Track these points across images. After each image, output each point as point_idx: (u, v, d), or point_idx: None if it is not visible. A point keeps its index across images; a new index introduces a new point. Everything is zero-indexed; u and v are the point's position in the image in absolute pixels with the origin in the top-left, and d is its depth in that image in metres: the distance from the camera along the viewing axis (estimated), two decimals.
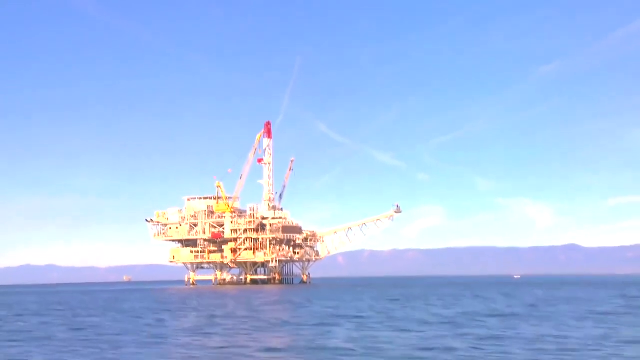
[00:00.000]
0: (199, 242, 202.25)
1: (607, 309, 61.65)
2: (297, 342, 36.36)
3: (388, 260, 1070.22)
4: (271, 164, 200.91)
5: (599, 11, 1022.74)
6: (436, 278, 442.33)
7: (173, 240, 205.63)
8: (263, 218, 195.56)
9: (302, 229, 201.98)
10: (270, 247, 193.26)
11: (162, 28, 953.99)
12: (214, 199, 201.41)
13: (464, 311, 60.16)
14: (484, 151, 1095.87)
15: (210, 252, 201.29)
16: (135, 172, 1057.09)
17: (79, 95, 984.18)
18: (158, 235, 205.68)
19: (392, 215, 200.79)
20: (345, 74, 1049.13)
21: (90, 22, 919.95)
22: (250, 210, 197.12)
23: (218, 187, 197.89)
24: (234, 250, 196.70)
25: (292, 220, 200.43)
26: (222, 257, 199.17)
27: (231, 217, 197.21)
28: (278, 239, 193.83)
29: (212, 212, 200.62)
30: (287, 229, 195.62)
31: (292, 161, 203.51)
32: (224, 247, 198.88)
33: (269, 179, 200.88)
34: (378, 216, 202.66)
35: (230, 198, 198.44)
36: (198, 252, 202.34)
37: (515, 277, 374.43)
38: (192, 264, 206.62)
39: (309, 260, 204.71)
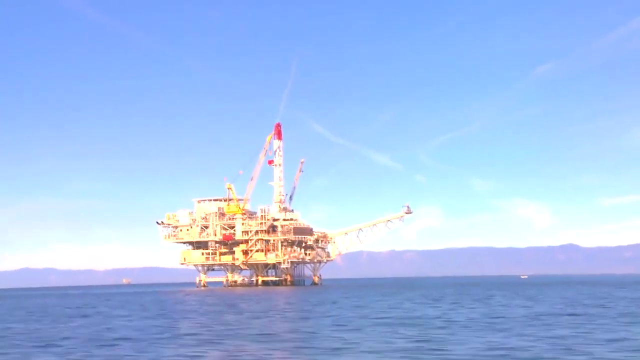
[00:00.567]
0: (209, 244, 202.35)
1: None
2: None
3: (386, 261, 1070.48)
4: (281, 166, 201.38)
5: (596, 11, 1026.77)
6: (439, 279, 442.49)
7: (184, 242, 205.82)
8: (274, 219, 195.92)
9: (313, 230, 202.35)
10: (281, 249, 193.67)
11: (158, 30, 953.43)
12: (225, 200, 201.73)
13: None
14: (481, 152, 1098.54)
15: (221, 253, 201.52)
16: (134, 174, 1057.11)
17: (79, 98, 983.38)
18: (168, 237, 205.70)
19: (402, 216, 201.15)
20: (343, 75, 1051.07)
21: (88, 25, 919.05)
22: (262, 211, 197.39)
23: (229, 189, 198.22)
24: (245, 252, 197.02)
25: (303, 221, 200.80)
26: (234, 258, 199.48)
27: (242, 218, 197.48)
28: (289, 241, 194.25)
29: (223, 214, 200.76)
30: (298, 231, 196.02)
31: (302, 162, 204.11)
32: (235, 248, 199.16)
33: (280, 180, 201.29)
34: (388, 217, 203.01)
35: (241, 200, 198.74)
36: (209, 254, 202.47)
37: (523, 277, 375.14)
38: (202, 265, 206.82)
39: (320, 262, 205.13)
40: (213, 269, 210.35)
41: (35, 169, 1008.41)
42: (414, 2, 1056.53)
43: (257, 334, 41.77)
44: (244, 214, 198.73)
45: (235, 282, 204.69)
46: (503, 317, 51.60)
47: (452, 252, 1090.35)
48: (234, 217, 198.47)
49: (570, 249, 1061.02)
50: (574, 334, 37.86)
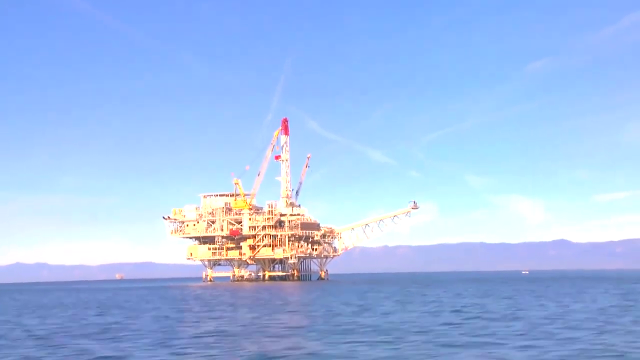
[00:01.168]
0: (216, 239, 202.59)
1: None
2: None
3: (379, 257, 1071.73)
4: (288, 161, 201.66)
5: (589, 8, 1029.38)
6: (440, 274, 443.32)
7: (190, 238, 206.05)
8: (281, 215, 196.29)
9: (320, 225, 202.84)
10: (288, 244, 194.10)
11: (153, 26, 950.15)
12: (231, 195, 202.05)
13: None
14: (475, 148, 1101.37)
15: (227, 249, 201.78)
16: (129, 171, 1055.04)
17: (73, 94, 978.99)
18: (175, 232, 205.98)
19: (409, 212, 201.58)
20: (336, 72, 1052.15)
21: (84, 21, 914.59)
22: (269, 207, 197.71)
23: (236, 184, 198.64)
24: (252, 247, 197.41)
25: (310, 216, 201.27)
26: (240, 254, 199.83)
27: (249, 214, 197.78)
28: (296, 236, 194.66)
29: (230, 209, 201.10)
30: (305, 226, 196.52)
31: (308, 158, 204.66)
32: (242, 244, 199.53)
33: (287, 175, 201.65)
34: (395, 212, 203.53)
35: (247, 195, 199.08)
36: (216, 249, 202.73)
37: (524, 272, 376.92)
38: (209, 260, 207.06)
39: (326, 257, 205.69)
40: (219, 264, 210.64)
41: (30, 165, 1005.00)
42: (407, 0, 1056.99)
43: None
44: (251, 209, 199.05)
45: (242, 277, 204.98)
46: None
47: (445, 247, 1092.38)
48: (241, 212, 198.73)
49: (562, 245, 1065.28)
50: None
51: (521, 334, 35.91)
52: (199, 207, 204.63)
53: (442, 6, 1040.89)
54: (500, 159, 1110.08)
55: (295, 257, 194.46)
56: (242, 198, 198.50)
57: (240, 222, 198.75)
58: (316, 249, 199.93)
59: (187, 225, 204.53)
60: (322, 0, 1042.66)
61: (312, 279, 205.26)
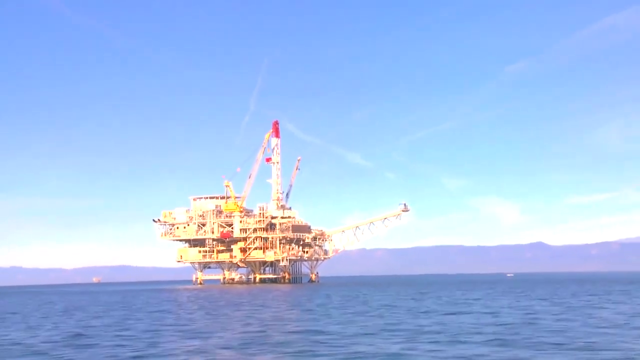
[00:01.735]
0: (207, 241, 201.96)
1: None
2: None
3: (357, 260, 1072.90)
4: (279, 163, 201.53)
5: (566, 10, 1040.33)
6: (421, 277, 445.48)
7: (180, 240, 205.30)
8: (272, 217, 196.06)
9: (311, 227, 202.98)
10: (280, 246, 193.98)
11: (129, 26, 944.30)
12: (222, 198, 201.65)
13: None
14: (451, 150, 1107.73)
15: (218, 251, 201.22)
16: (104, 174, 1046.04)
17: (52, 96, 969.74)
18: (165, 235, 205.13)
19: (399, 214, 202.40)
20: (314, 74, 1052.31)
21: (64, 23, 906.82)
22: (260, 209, 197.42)
23: (227, 186, 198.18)
24: (243, 250, 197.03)
25: (301, 219, 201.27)
26: (231, 256, 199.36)
27: (240, 216, 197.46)
28: (288, 238, 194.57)
29: (221, 212, 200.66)
30: (296, 228, 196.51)
31: (298, 160, 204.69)
32: (232, 246, 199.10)
33: (278, 178, 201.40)
34: (386, 215, 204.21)
35: (238, 197, 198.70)
36: (206, 251, 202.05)
37: (509, 275, 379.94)
38: (199, 263, 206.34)
39: (317, 259, 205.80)
40: (209, 267, 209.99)
41: (10, 167, 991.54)
42: (387, 2, 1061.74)
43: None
44: (242, 211, 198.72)
45: (233, 280, 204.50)
46: None
47: (422, 250, 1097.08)
48: (232, 214, 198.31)
49: (538, 247, 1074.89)
50: None
51: None
52: (189, 210, 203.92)
53: (420, 10, 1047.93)
54: (477, 162, 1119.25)
55: (286, 260, 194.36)
56: (233, 200, 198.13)
57: (231, 224, 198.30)
58: (307, 252, 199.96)
59: (177, 228, 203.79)
60: (301, 1, 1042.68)
61: (302, 281, 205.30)
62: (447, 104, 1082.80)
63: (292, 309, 65.08)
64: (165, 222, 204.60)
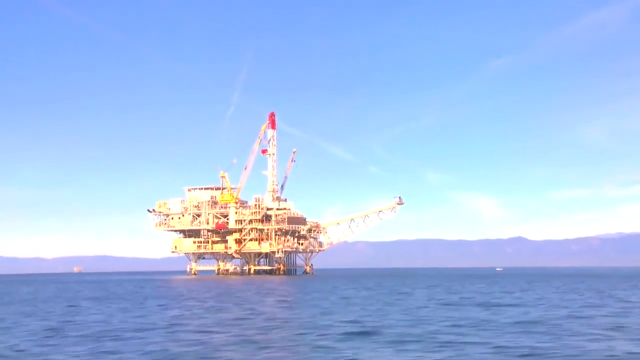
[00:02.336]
0: (202, 232, 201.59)
1: None
2: None
3: (338, 253, 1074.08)
4: (275, 155, 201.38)
5: (549, 5, 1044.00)
6: (404, 270, 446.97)
7: (175, 231, 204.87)
8: (268, 209, 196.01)
9: (306, 219, 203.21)
10: (275, 238, 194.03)
11: (111, 19, 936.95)
12: (217, 189, 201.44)
13: None
14: (434, 145, 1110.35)
15: (213, 242, 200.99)
16: (82, 164, 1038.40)
17: (32, 86, 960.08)
18: (160, 225, 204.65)
19: (394, 207, 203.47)
20: (297, 67, 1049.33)
21: (45, 13, 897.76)
22: (256, 200, 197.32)
23: (222, 177, 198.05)
24: (238, 241, 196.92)
25: (296, 211, 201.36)
26: (226, 247, 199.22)
27: (235, 207, 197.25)
28: (283, 230, 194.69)
29: (216, 203, 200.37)
30: (292, 220, 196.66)
31: (294, 152, 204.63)
32: (227, 237, 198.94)
33: (273, 169, 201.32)
34: (380, 208, 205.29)
35: (234, 189, 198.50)
36: (201, 242, 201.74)
37: (498, 270, 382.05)
38: (194, 254, 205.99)
39: (312, 251, 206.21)
40: (203, 258, 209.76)
41: None
42: None
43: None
44: (237, 202, 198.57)
45: (227, 271, 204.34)
46: None
47: (403, 243, 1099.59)
48: (227, 205, 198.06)
49: (518, 242, 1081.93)
50: None
51: None
52: (184, 200, 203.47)
53: (404, 3, 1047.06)
54: (459, 156, 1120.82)
55: (282, 252, 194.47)
56: (229, 191, 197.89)
57: (226, 215, 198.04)
58: (302, 244, 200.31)
59: (172, 219, 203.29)
60: None
61: (297, 273, 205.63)
62: (430, 98, 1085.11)
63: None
64: (160, 212, 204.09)
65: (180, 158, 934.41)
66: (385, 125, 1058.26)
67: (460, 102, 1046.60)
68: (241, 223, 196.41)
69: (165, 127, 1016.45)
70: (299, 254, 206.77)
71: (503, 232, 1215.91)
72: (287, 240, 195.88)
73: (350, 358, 27.06)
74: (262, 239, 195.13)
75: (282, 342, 32.03)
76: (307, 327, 38.62)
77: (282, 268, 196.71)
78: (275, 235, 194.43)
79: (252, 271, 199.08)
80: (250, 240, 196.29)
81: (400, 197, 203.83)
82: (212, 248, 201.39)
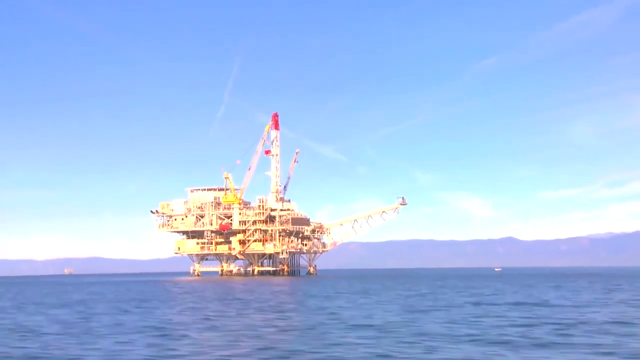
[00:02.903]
0: (205, 233, 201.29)
1: None
2: None
3: (329, 254, 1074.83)
4: (278, 156, 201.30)
5: (539, 5, 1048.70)
6: (400, 270, 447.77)
7: (178, 232, 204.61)
8: (272, 210, 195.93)
9: (310, 220, 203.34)
10: (279, 239, 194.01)
11: (102, 19, 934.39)
12: (220, 190, 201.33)
13: None
14: (424, 145, 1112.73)
15: (217, 243, 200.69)
16: (73, 165, 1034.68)
17: (17, 89, 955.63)
18: (163, 226, 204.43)
19: (397, 208, 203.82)
20: (288, 67, 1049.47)
21: (37, 14, 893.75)
22: (260, 201, 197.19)
23: (226, 178, 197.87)
24: (242, 242, 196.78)
25: (300, 212, 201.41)
26: (230, 248, 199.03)
27: (239, 208, 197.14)
28: (287, 231, 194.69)
29: (219, 204, 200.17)
30: (296, 221, 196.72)
31: (297, 153, 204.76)
32: (231, 238, 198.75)
33: (277, 170, 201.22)
34: (383, 208, 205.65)
35: (237, 189, 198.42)
36: (204, 243, 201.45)
37: (497, 269, 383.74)
38: (197, 255, 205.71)
39: (315, 252, 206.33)
40: (206, 259, 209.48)
41: None
42: None
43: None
44: (241, 203, 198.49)
45: (231, 272, 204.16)
46: None
47: (395, 244, 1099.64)
48: (231, 206, 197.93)
49: (509, 242, 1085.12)
50: None
51: None
52: (187, 201, 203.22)
53: (394, 3, 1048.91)
54: (449, 156, 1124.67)
55: (286, 252, 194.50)
56: (233, 192, 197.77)
57: (230, 216, 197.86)
58: (306, 244, 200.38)
59: (175, 220, 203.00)
60: None
61: (300, 274, 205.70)
62: (420, 99, 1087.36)
63: None
64: (163, 213, 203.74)
65: (175, 159, 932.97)
66: (375, 126, 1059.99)
67: (450, 102, 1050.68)
68: (245, 224, 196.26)
69: (157, 128, 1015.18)
70: (302, 255, 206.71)
71: (494, 232, 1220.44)
72: (291, 241, 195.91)
73: None
74: (266, 240, 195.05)
75: None
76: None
77: (286, 269, 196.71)
78: (280, 236, 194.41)
79: (256, 272, 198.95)
80: (254, 241, 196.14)
81: (403, 198, 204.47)
82: (215, 249, 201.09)
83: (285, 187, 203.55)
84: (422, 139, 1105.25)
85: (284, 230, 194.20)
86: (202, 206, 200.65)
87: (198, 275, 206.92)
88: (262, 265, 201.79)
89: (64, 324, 45.05)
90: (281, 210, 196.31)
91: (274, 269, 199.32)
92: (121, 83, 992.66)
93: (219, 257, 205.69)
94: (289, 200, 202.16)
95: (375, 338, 33.38)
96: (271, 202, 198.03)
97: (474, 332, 35.42)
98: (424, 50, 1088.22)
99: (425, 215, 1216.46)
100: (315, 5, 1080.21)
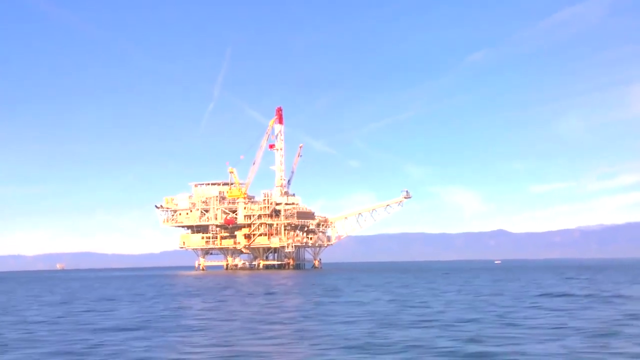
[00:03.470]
0: (210, 227, 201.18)
1: None
2: None
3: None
4: (283, 150, 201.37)
5: (527, 0, 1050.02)
6: (392, 264, 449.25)
7: (182, 226, 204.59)
8: (277, 204, 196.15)
9: (315, 214, 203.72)
10: (284, 233, 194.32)
11: (91, 14, 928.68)
12: (224, 184, 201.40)
13: None
14: (414, 138, 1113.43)
15: (222, 237, 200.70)
16: (62, 160, 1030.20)
17: (4, 83, 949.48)
18: (167, 221, 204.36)
19: (401, 201, 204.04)
20: (278, 61, 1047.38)
21: (23, 9, 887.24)
22: (265, 196, 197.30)
23: (231, 172, 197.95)
24: (247, 236, 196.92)
25: (304, 206, 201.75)
26: (235, 242, 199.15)
27: (244, 202, 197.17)
28: (292, 225, 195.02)
29: (224, 198, 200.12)
30: (301, 215, 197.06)
31: (300, 147, 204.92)
32: (236, 232, 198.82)
33: (281, 164, 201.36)
34: (388, 202, 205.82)
35: (242, 184, 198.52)
36: (209, 237, 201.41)
37: (497, 262, 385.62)
38: (202, 249, 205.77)
39: (320, 246, 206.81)
40: (210, 253, 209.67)
41: None
42: None
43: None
44: (246, 197, 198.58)
45: (236, 266, 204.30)
46: None
47: (385, 237, 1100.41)
48: (236, 201, 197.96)
49: (500, 235, 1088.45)
50: None
51: None
52: (191, 196, 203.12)
53: None
54: (440, 150, 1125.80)
55: (292, 246, 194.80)
56: (237, 187, 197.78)
57: (235, 211, 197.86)
58: (311, 238, 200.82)
59: (180, 214, 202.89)
60: None
61: (305, 267, 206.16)
62: (410, 93, 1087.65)
63: None
64: (167, 208, 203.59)
65: (169, 155, 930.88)
66: (366, 120, 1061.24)
67: (440, 96, 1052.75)
68: (250, 218, 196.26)
69: (149, 123, 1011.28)
70: (306, 249, 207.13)
71: (484, 225, 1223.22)
72: (297, 235, 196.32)
73: None
74: (272, 234, 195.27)
75: None
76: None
77: (291, 263, 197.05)
78: (285, 230, 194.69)
79: (261, 266, 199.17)
80: (260, 235, 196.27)
81: (407, 191, 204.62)
82: (220, 243, 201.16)
83: (289, 181, 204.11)
84: (412, 133, 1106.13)
85: (289, 224, 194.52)
86: (207, 201, 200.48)
87: (203, 269, 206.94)
88: (266, 259, 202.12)
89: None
90: (286, 204, 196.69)
91: (279, 262, 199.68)
92: (111, 77, 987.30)
93: (223, 251, 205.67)
94: (294, 195, 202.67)
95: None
96: (276, 196, 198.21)
97: None
98: (413, 45, 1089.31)
99: (415, 208, 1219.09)
100: (305, 1, 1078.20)
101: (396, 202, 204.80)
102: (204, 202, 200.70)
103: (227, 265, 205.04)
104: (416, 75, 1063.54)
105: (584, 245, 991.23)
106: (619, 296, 57.45)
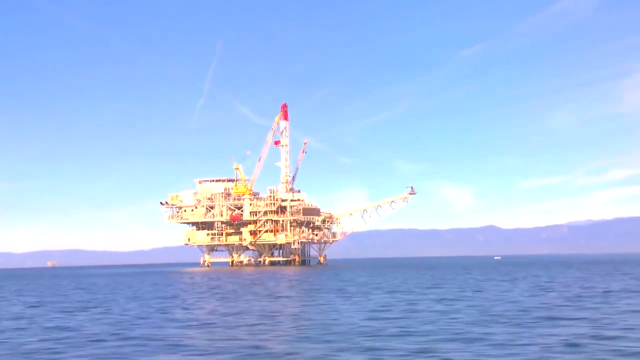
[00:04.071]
0: (215, 224, 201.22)
1: None
2: None
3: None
4: (288, 146, 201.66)
5: None
6: (383, 260, 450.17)
7: (187, 223, 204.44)
8: (282, 200, 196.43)
9: (320, 210, 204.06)
10: (290, 229, 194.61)
11: (84, 10, 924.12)
12: (229, 181, 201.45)
13: None
14: (404, 134, 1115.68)
15: (227, 234, 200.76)
16: (53, 157, 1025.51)
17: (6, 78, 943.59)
18: (172, 217, 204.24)
19: (406, 197, 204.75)
20: (268, 57, 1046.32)
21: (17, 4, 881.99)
22: (271, 192, 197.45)
23: (237, 169, 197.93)
24: (253, 233, 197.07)
25: (310, 202, 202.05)
26: (241, 239, 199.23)
27: (250, 199, 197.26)
28: (298, 221, 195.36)
29: (229, 195, 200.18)
30: (307, 211, 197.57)
31: (305, 143, 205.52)
32: (242, 229, 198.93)
33: (286, 161, 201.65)
34: (393, 198, 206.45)
35: (247, 180, 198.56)
36: (214, 234, 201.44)
37: (496, 258, 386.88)
38: (207, 246, 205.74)
39: (326, 242, 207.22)
40: (215, 250, 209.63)
41: None
42: None
43: None
44: (251, 194, 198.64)
45: (241, 262, 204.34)
46: None
47: (376, 234, 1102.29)
48: (242, 197, 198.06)
49: (490, 230, 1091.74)
50: None
51: None
52: (196, 193, 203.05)
53: None
54: (430, 145, 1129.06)
55: (298, 242, 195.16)
56: (243, 183, 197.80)
57: (240, 207, 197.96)
58: (317, 234, 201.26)
59: (185, 211, 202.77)
60: None
61: (311, 263, 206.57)
62: (401, 89, 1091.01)
63: None
64: (172, 205, 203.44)
65: (158, 152, 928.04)
66: (356, 116, 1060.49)
67: (431, 92, 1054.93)
68: (256, 215, 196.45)
69: (138, 121, 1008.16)
70: (312, 245, 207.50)
71: (474, 221, 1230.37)
72: (303, 232, 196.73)
73: None
74: (278, 231, 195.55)
75: None
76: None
77: (297, 259, 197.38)
78: (291, 226, 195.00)
79: (267, 262, 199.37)
80: (266, 231, 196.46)
81: (412, 187, 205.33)
82: (226, 240, 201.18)
83: (294, 177, 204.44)
84: (403, 129, 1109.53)
85: (295, 220, 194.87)
86: (212, 197, 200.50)
87: (208, 266, 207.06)
88: (272, 255, 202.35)
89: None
90: (292, 200, 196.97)
91: (285, 259, 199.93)
92: (101, 74, 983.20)
93: (228, 247, 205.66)
94: (299, 191, 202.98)
95: None
96: (281, 193, 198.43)
97: None
98: (405, 40, 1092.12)
99: (406, 204, 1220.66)
100: None
101: (401, 199, 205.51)
102: (209, 198, 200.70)
103: (232, 261, 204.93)
104: (407, 71, 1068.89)
105: (572, 241, 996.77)
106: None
